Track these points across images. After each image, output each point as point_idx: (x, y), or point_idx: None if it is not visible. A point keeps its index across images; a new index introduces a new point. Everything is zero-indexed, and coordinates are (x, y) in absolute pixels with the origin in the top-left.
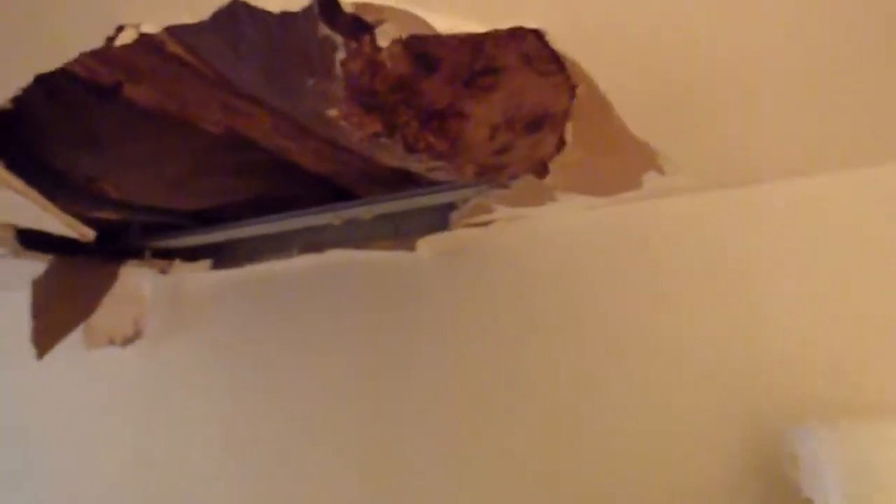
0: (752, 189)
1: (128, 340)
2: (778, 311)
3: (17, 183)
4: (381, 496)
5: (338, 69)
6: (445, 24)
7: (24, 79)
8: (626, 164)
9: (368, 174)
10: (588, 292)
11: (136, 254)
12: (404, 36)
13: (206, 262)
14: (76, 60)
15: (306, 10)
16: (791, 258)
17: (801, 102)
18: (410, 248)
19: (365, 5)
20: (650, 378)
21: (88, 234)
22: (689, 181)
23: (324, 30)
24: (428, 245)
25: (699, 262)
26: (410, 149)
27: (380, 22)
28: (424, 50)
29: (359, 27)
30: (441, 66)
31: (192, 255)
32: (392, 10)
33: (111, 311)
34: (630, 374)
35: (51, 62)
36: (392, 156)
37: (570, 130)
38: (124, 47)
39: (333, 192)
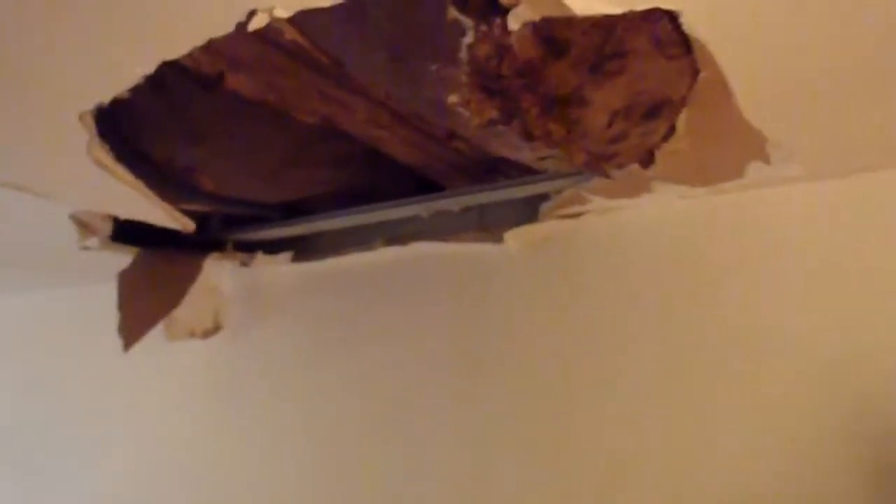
0: (865, 178)
1: (208, 333)
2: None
3: (126, 174)
4: (468, 492)
5: (463, 53)
6: (582, 5)
7: (148, 66)
8: (731, 152)
9: (457, 165)
10: (686, 284)
11: (217, 246)
12: (537, 18)
13: (287, 255)
14: None
15: None
16: None
17: None
18: (498, 240)
19: None
20: (758, 376)
21: (189, 225)
22: (797, 170)
23: (453, 13)
24: (516, 237)
25: (807, 254)
26: (527, 136)
27: (515, 4)
28: (554, 34)
29: (491, 10)
30: (569, 50)
31: (273, 247)
32: None
33: (192, 303)
34: (734, 373)
35: (178, 49)
36: (505, 144)
37: (683, 118)
38: (230, 36)
39: (419, 184)
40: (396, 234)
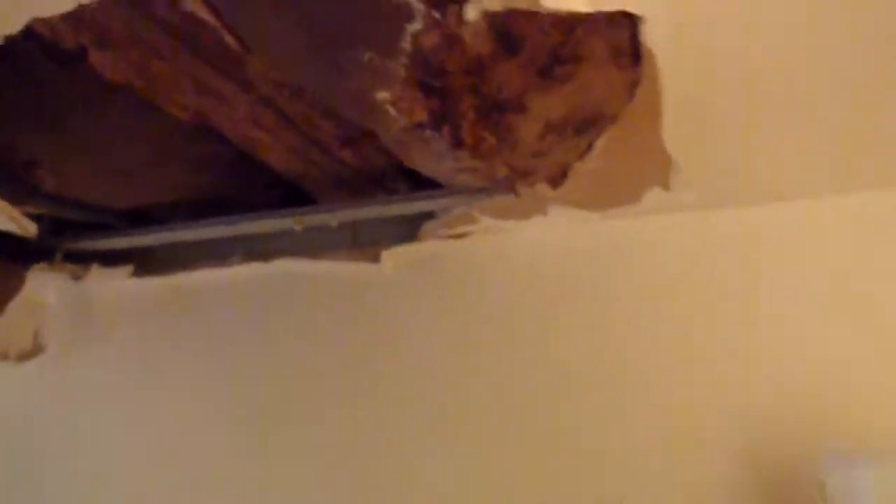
0: (758, 209)
1: (25, 356)
2: (785, 334)
3: None
4: None
5: (406, 43)
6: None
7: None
8: (635, 176)
9: (337, 177)
10: (570, 311)
11: (44, 255)
12: (499, 9)
13: (128, 268)
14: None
15: None
16: (796, 279)
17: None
18: (373, 259)
19: None
20: (644, 405)
21: (31, 228)
22: (692, 198)
23: None
24: (393, 256)
25: (694, 282)
26: (458, 143)
27: None
28: (510, 29)
29: None
30: (523, 48)
31: (111, 259)
32: None
33: (6, 320)
34: (616, 400)
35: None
36: (426, 152)
37: (604, 136)
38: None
39: (287, 196)
40: (258, 250)
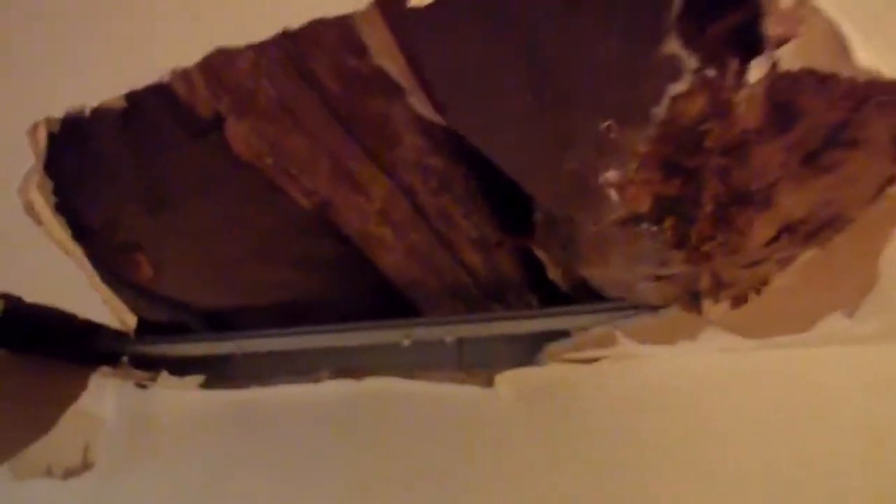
0: None
1: (71, 473)
2: None
3: (63, 233)
4: None
5: (660, 108)
6: (869, 58)
7: (139, 76)
8: (818, 299)
9: (456, 288)
10: (712, 453)
11: (108, 359)
12: (797, 67)
13: (199, 378)
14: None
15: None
16: None
17: None
18: (485, 382)
19: (786, 12)
20: None
21: (131, 322)
22: (873, 329)
23: (672, 46)
24: (510, 382)
25: (868, 424)
26: (679, 242)
27: (784, 39)
28: (792, 98)
29: (735, 47)
30: (798, 125)
31: (181, 366)
32: (815, 15)
33: (54, 430)
34: None
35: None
36: (625, 253)
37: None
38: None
39: (387, 307)
40: (349, 365)
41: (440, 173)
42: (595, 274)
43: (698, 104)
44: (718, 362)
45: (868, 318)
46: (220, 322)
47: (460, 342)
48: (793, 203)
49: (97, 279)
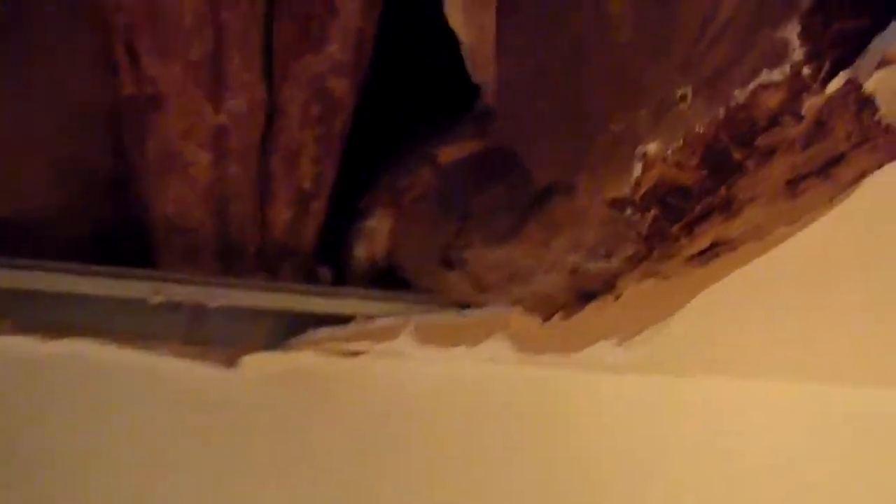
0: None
1: None
2: None
3: None
4: None
5: (745, 92)
6: None
7: None
8: (602, 324)
9: (227, 246)
10: (456, 462)
11: None
12: (870, 92)
13: None
14: None
15: None
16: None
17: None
18: (227, 362)
19: None
20: None
21: None
22: (640, 360)
23: (790, 30)
24: (258, 364)
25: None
26: (647, 238)
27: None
28: (837, 119)
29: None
30: (818, 144)
31: None
32: None
33: None
34: None
35: None
36: (571, 241)
37: None
38: None
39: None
40: (44, 320)
41: (333, 101)
42: (488, 256)
43: (777, 99)
44: (486, 372)
45: (634, 349)
46: None
47: (201, 310)
48: (744, 220)
49: None
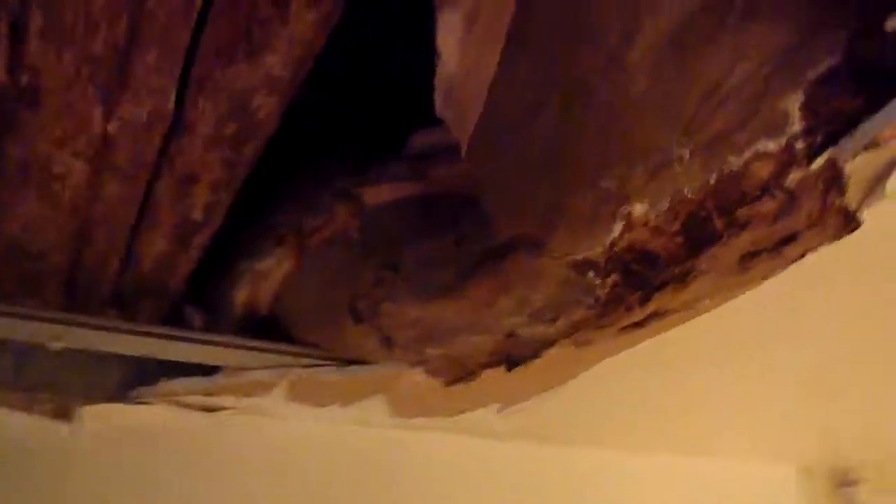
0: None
1: None
2: None
3: None
4: None
5: (739, 160)
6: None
7: None
8: (494, 391)
9: (75, 278)
10: None
11: None
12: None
13: None
14: None
15: None
16: None
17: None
18: (60, 414)
19: None
20: None
21: None
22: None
23: (792, 101)
24: (98, 418)
25: None
26: (605, 304)
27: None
28: (805, 197)
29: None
30: (784, 221)
31: None
32: None
33: None
34: None
35: None
36: (519, 302)
37: None
38: None
39: None
40: None
41: (254, 122)
42: (411, 311)
43: (768, 169)
44: (350, 435)
45: (515, 416)
46: None
47: (35, 352)
48: (690, 293)
49: None
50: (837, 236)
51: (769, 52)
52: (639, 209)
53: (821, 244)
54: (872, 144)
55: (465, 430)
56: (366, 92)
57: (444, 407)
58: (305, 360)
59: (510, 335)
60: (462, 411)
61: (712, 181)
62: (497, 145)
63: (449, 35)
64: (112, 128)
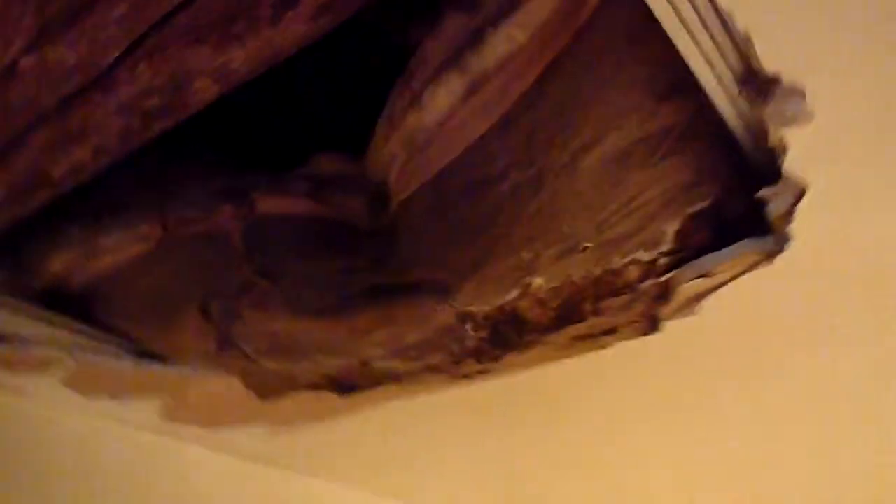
0: None
1: None
2: None
3: None
4: None
5: (622, 261)
6: None
7: None
8: (266, 411)
9: None
10: None
11: None
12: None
13: None
14: None
15: None
16: None
17: None
18: None
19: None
20: None
21: None
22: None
23: (671, 224)
24: None
25: None
26: (469, 353)
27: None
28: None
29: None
30: (629, 312)
31: None
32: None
33: None
34: None
35: None
36: (392, 337)
37: None
38: None
39: None
40: None
41: (186, 100)
42: (274, 323)
43: (636, 274)
44: (108, 433)
45: (274, 439)
46: None
47: None
48: (523, 359)
49: None
50: (642, 335)
51: (672, 185)
52: (538, 282)
53: (628, 339)
54: (706, 275)
55: (224, 448)
56: (282, 107)
57: (207, 417)
58: (98, 344)
59: (364, 364)
60: (225, 424)
61: (597, 273)
62: (442, 200)
63: (446, 95)
64: (25, 63)
